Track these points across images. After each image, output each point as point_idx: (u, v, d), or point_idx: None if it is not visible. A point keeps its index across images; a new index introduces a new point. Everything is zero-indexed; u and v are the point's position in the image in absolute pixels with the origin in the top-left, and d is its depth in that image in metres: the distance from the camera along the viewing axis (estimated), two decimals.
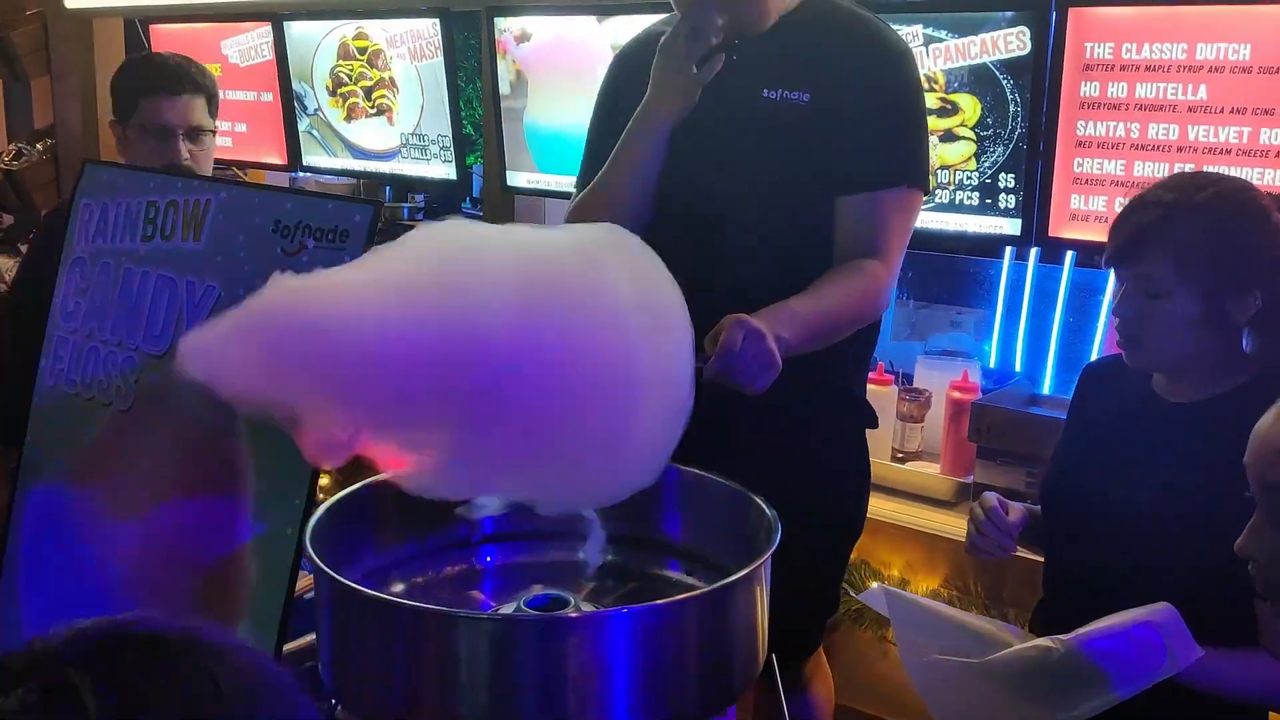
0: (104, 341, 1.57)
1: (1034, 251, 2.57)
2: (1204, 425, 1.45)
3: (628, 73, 1.76)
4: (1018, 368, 2.65)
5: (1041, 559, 1.68)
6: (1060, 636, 1.25)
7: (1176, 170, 2.13)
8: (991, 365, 2.69)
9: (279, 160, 3.79)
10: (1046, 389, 2.56)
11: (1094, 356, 2.54)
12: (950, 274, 2.97)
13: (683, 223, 1.66)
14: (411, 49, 3.30)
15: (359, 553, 1.29)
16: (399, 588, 1.31)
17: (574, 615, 1.15)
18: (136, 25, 4.24)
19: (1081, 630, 1.26)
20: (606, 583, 1.32)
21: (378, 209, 1.35)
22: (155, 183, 1.60)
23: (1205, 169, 2.05)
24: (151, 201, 1.57)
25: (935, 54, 2.39)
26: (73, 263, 1.65)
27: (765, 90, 1.63)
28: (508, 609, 1.20)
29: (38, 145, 5.94)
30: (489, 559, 1.38)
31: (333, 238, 1.36)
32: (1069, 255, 2.53)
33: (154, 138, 2.11)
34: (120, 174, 1.67)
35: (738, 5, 1.62)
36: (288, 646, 1.35)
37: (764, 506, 1.22)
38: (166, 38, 3.97)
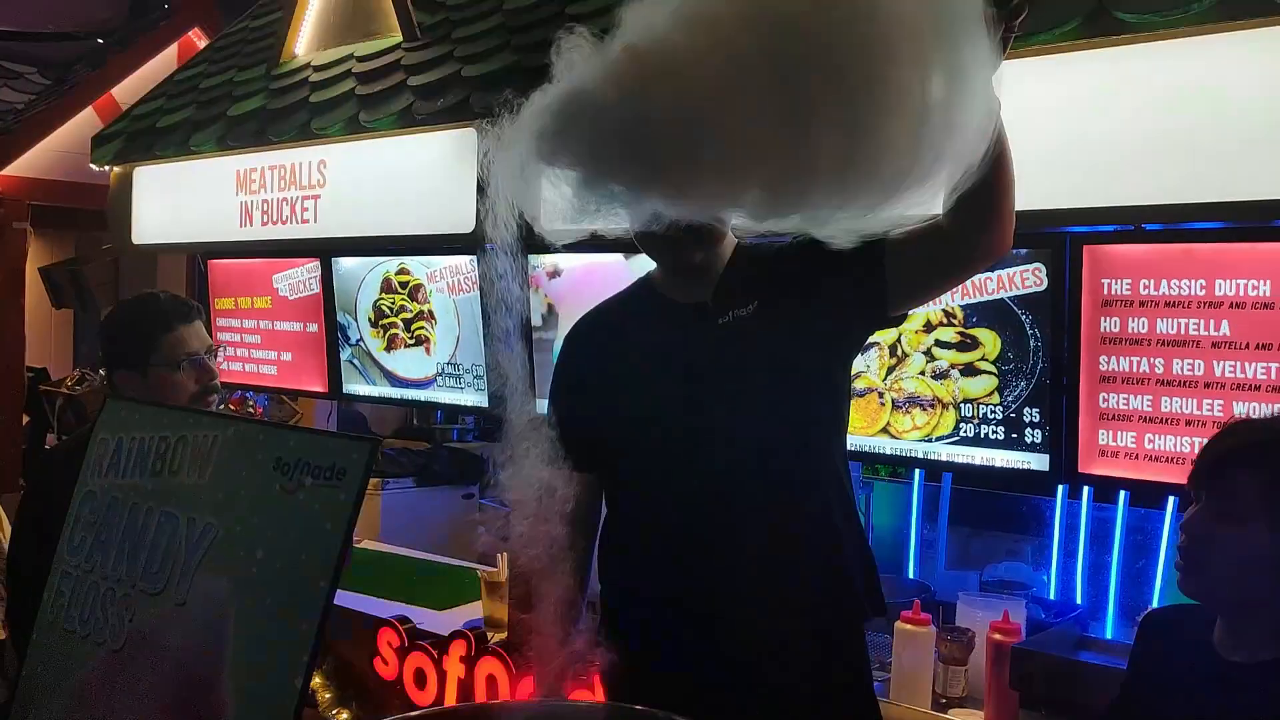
0: (104, 578, 1.55)
1: (1087, 490, 2.49)
2: (1263, 689, 1.32)
3: (579, 349, 1.89)
4: (1078, 599, 2.52)
5: None
6: None
7: (1204, 406, 2.08)
8: (1051, 596, 2.56)
9: (320, 388, 3.88)
10: (1109, 632, 2.42)
11: (1155, 598, 2.42)
12: (1005, 501, 2.89)
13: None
14: (450, 283, 3.42)
15: None
16: None
17: None
18: (198, 260, 4.48)
19: None
20: None
21: (375, 447, 1.35)
22: (169, 418, 1.62)
23: (1235, 406, 2.00)
24: (164, 437, 1.58)
25: (953, 290, 2.41)
26: (84, 496, 1.65)
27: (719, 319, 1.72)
28: None
29: (100, 372, 6.18)
30: None
31: (329, 475, 1.35)
32: (1122, 495, 2.45)
33: (185, 368, 2.13)
34: (137, 409, 1.69)
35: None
36: None
37: None
38: (224, 272, 4.17)
